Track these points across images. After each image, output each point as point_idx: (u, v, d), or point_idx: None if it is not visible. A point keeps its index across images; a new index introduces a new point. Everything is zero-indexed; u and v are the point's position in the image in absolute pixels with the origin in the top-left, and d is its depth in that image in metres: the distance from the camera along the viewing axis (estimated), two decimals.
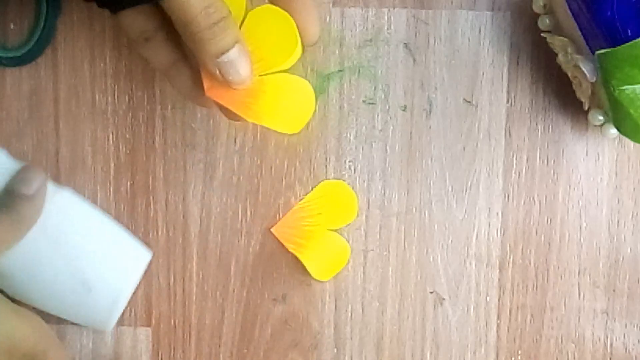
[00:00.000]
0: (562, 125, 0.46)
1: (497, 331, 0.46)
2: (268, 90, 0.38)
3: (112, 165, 0.46)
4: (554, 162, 0.46)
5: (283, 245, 0.46)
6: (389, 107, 0.46)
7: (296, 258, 0.46)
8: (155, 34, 0.38)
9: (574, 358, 0.46)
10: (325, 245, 0.46)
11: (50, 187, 0.42)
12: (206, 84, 0.38)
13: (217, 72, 0.36)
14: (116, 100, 0.46)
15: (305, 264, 0.45)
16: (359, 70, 0.46)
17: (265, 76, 0.38)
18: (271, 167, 0.46)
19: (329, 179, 0.46)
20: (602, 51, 0.38)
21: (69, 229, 0.42)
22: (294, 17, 0.38)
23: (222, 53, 0.36)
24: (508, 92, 0.46)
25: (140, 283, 0.45)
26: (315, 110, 0.46)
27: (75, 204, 0.43)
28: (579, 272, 0.46)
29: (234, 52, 0.36)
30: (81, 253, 0.42)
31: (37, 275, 0.41)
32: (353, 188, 0.46)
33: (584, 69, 0.40)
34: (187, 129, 0.46)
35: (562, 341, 0.46)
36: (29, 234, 0.40)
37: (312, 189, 0.46)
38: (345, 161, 0.46)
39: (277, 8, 0.38)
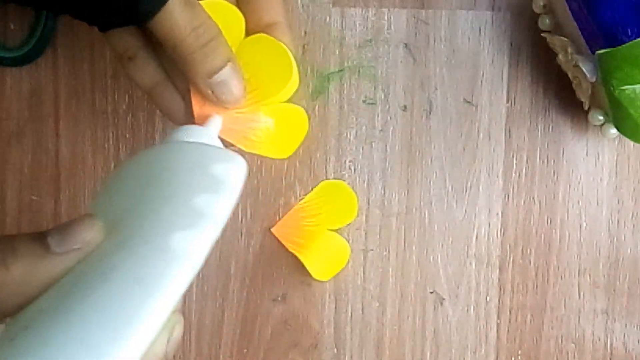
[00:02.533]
0: (562, 125, 0.46)
1: (497, 331, 0.46)
2: (263, 119, 0.38)
3: (112, 165, 0.46)
4: (554, 162, 0.46)
5: (283, 245, 0.46)
6: (389, 107, 0.46)
7: (296, 258, 0.46)
8: (138, 53, 0.37)
9: (574, 358, 0.46)
10: (325, 245, 0.46)
11: None
12: (196, 111, 0.37)
13: (210, 92, 0.35)
14: (116, 100, 0.46)
15: (305, 264, 0.45)
16: (359, 70, 0.46)
17: (260, 106, 0.38)
18: (271, 167, 0.46)
19: (329, 179, 0.46)
20: (602, 51, 0.38)
21: None
22: None
23: (214, 73, 0.35)
24: (508, 92, 0.46)
25: None
26: (315, 110, 0.46)
27: None
28: (579, 272, 0.46)
29: (226, 71, 0.35)
30: None
31: None
32: (353, 188, 0.46)
33: (584, 69, 0.40)
34: None
35: (562, 341, 0.46)
36: None
37: (312, 189, 0.46)
38: (345, 161, 0.46)
39: (272, 38, 0.37)
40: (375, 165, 0.46)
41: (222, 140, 0.38)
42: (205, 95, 0.36)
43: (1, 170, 0.46)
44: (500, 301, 0.46)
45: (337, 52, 0.46)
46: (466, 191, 0.46)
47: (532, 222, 0.46)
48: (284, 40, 0.38)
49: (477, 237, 0.46)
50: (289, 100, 0.39)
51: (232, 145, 0.38)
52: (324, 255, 0.46)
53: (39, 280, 0.28)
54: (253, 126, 0.38)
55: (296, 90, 0.39)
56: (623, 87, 0.38)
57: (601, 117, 0.43)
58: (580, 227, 0.46)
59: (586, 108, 0.43)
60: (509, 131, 0.46)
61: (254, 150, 0.38)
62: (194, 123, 0.37)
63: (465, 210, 0.46)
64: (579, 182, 0.46)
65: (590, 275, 0.46)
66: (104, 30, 0.37)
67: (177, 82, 0.38)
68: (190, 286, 0.46)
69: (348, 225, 0.46)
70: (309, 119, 0.45)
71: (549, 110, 0.46)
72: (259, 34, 0.38)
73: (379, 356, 0.46)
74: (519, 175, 0.46)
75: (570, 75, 0.43)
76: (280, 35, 0.38)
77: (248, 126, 0.38)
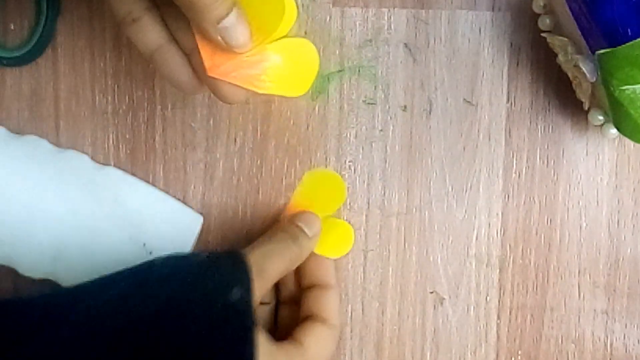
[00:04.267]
0: (562, 125, 0.46)
1: (497, 331, 0.46)
2: (271, 57, 0.39)
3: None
4: (554, 162, 0.46)
5: None
6: (389, 107, 0.46)
7: None
8: (142, 15, 0.37)
9: (574, 358, 0.46)
10: (326, 231, 0.45)
11: (95, 165, 0.44)
12: (207, 63, 0.37)
13: (219, 38, 0.36)
14: (116, 100, 0.46)
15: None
16: (359, 70, 0.46)
17: (265, 46, 0.38)
18: (271, 167, 0.46)
19: None
20: (602, 51, 0.38)
21: (124, 198, 0.43)
22: None
23: (222, 18, 0.36)
24: (508, 92, 0.46)
25: None
26: (315, 110, 0.46)
27: (125, 177, 0.45)
28: (579, 272, 0.46)
29: (232, 15, 0.36)
30: (139, 218, 0.43)
31: (97, 248, 0.41)
32: (353, 188, 0.46)
33: (584, 69, 0.40)
34: (187, 129, 0.46)
35: (562, 341, 0.46)
36: (86, 211, 0.41)
37: None
38: (345, 161, 0.46)
39: None
40: (375, 165, 0.46)
41: (229, 88, 0.38)
42: (215, 42, 0.37)
43: None
44: (500, 301, 0.46)
45: (337, 52, 0.46)
46: (466, 191, 0.46)
47: (532, 222, 0.46)
48: None
49: (477, 237, 0.46)
50: (296, 34, 0.40)
51: (247, 90, 0.38)
52: (327, 241, 0.45)
53: None
54: (264, 66, 0.38)
55: (296, 19, 0.39)
56: (623, 87, 0.38)
57: (601, 117, 0.43)
58: (580, 227, 0.46)
59: (586, 108, 0.43)
60: (509, 131, 0.46)
61: (269, 91, 0.39)
62: (199, 86, 0.38)
63: (465, 210, 0.46)
64: (579, 182, 0.46)
65: (590, 275, 0.46)
66: None
67: (181, 43, 0.38)
68: None
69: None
70: (309, 119, 0.46)
71: (549, 110, 0.46)
72: None
73: (379, 356, 0.46)
74: (519, 175, 0.46)
75: (570, 75, 0.43)
76: None
77: (259, 68, 0.38)
